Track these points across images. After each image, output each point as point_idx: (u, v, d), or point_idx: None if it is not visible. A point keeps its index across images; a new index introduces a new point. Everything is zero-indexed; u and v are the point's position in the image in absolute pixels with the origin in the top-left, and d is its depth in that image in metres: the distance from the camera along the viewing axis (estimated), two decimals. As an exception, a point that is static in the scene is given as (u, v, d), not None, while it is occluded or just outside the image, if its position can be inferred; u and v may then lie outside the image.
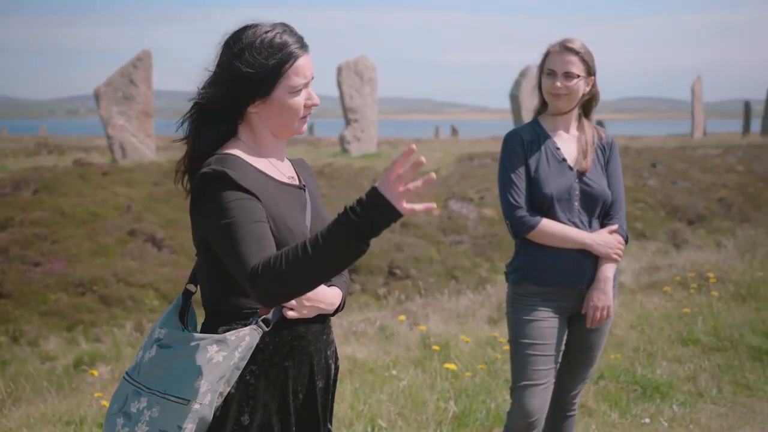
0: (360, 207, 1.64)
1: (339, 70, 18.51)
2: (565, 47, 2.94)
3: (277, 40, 1.86)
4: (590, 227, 2.97)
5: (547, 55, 2.99)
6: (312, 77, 1.92)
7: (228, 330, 1.83)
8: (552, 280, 2.93)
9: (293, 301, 1.87)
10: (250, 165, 1.88)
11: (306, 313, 1.90)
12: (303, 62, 1.89)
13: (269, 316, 1.86)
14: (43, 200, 12.80)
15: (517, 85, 20.90)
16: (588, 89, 2.99)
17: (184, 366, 1.80)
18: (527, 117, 21.05)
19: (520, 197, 2.94)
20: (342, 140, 19.28)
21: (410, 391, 4.24)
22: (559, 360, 3.01)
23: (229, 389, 1.84)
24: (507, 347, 4.60)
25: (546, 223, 2.91)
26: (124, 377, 1.90)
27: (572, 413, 3.17)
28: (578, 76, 2.92)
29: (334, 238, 1.66)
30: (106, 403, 3.75)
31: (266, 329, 1.86)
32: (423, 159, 1.61)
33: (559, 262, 2.92)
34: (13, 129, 41.10)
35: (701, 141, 26.22)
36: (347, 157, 18.51)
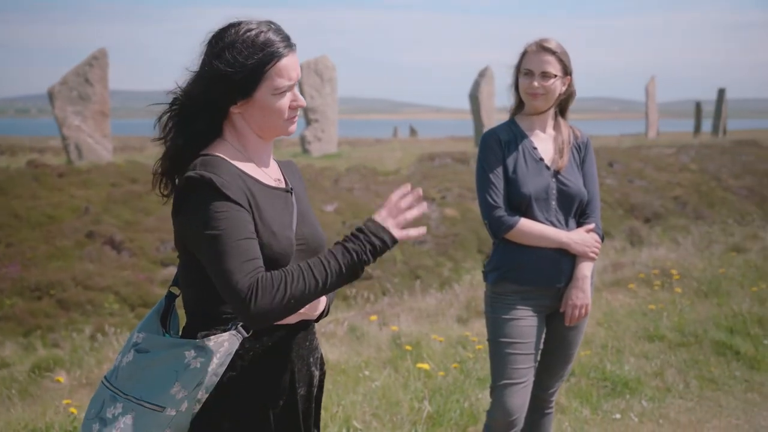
0: (363, 237, 1.74)
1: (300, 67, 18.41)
2: (542, 47, 2.95)
3: (260, 38, 1.80)
4: (567, 226, 2.99)
5: (524, 54, 3.00)
6: (298, 78, 1.86)
7: (207, 335, 1.78)
8: (531, 279, 2.95)
9: None
10: (236, 167, 1.83)
11: (289, 319, 1.85)
12: (287, 62, 1.82)
13: None
14: (-4, 202, 12.46)
15: (477, 85, 21.05)
16: (564, 89, 3.01)
17: (161, 372, 1.75)
18: (486, 117, 21.25)
19: (499, 197, 2.95)
20: (303, 140, 19.18)
21: (384, 391, 4.23)
22: (538, 358, 3.03)
23: (207, 396, 1.80)
24: (480, 346, 4.64)
25: (524, 223, 2.92)
26: (102, 381, 1.84)
27: (550, 411, 3.20)
28: (555, 75, 2.94)
29: (338, 268, 1.72)
30: (74, 410, 3.66)
31: (246, 335, 1.80)
32: (420, 191, 1.81)
33: (538, 261, 2.93)
34: (-40, 129, 39.96)
35: (655, 140, 26.75)
36: (308, 158, 18.42)
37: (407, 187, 1.81)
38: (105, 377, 1.84)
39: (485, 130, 19.91)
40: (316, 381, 1.99)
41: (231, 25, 1.84)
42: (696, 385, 4.66)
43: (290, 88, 1.84)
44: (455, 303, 6.42)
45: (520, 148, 3.00)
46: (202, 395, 1.78)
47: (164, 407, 1.73)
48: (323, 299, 1.94)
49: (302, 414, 1.93)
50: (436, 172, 16.69)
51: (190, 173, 1.76)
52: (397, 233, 1.76)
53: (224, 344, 1.77)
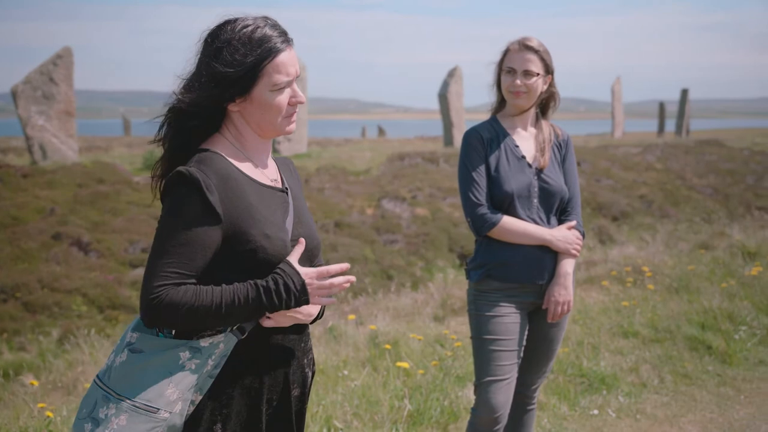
0: (286, 293, 1.77)
1: (268, 69, 18.29)
2: (524, 45, 2.97)
3: (257, 35, 1.78)
4: (549, 223, 3.01)
5: (506, 53, 3.02)
6: (297, 74, 1.84)
7: (202, 336, 1.77)
8: (514, 276, 2.96)
9: None
10: (232, 165, 1.81)
11: (283, 322, 1.84)
12: (285, 58, 1.80)
13: (245, 324, 1.81)
14: (-42, 204, 12.18)
15: (446, 85, 21.12)
16: (545, 87, 3.03)
17: (155, 373, 1.74)
18: (455, 117, 21.34)
19: (482, 195, 2.96)
20: (272, 141, 19.07)
21: (364, 391, 4.22)
22: (521, 355, 3.05)
23: (201, 397, 1.78)
24: (459, 344, 4.65)
25: (507, 221, 2.93)
26: (94, 381, 1.82)
27: (532, 407, 3.21)
28: (537, 74, 2.96)
29: (248, 307, 1.75)
30: (50, 414, 3.59)
31: (241, 337, 1.80)
32: (353, 278, 1.88)
33: (521, 259, 2.95)
34: None
35: (621, 140, 27.12)
36: (278, 158, 18.33)
37: (346, 266, 1.86)
38: (97, 376, 1.82)
39: (454, 129, 19.83)
40: (309, 382, 1.98)
41: (227, 22, 1.82)
42: (670, 380, 4.72)
43: (289, 84, 1.82)
44: (431, 302, 6.43)
45: (502, 146, 3.01)
46: (197, 397, 1.77)
47: (158, 408, 1.72)
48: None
49: (295, 415, 1.92)
50: (406, 171, 16.71)
51: (182, 168, 1.75)
52: (313, 300, 1.81)
53: (220, 345, 1.76)
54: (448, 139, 21.40)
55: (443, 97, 21.05)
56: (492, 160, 2.99)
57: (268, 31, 1.80)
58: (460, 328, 5.58)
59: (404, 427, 3.92)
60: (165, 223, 1.73)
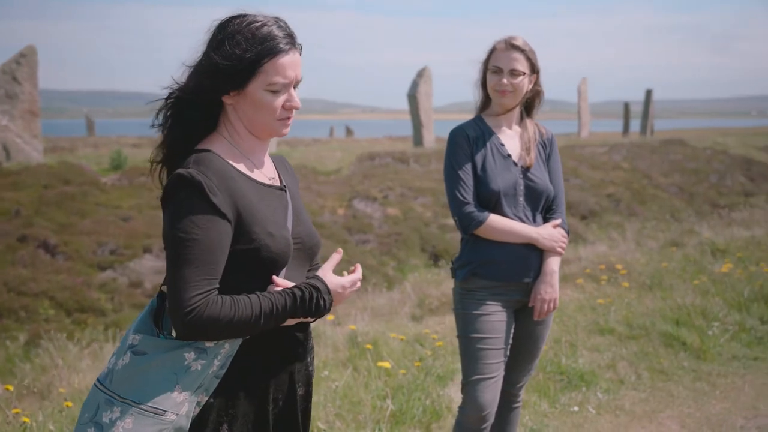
0: (316, 309, 1.79)
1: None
2: (510, 45, 2.98)
3: (262, 32, 1.76)
4: (534, 221, 3.03)
5: (492, 52, 3.02)
6: (298, 79, 1.81)
7: None
8: (500, 274, 2.97)
9: None
10: (230, 166, 1.79)
11: (288, 321, 1.82)
12: (286, 60, 1.78)
13: None
14: None
15: (415, 85, 21.17)
16: (531, 86, 3.04)
17: (160, 374, 1.71)
18: (425, 117, 21.40)
19: (468, 193, 2.96)
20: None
21: (345, 391, 4.20)
22: (508, 353, 3.06)
23: (207, 398, 1.76)
24: (440, 343, 4.66)
25: (494, 219, 2.94)
26: (95, 385, 1.79)
27: (518, 405, 3.23)
28: (523, 73, 2.97)
29: (277, 319, 1.76)
30: (27, 419, 3.51)
31: (246, 336, 1.78)
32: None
33: (507, 257, 2.96)
34: None
35: (588, 140, 27.44)
36: (273, 156, 18.22)
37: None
38: (98, 380, 1.79)
39: (423, 129, 19.88)
40: (312, 380, 1.97)
41: (237, 16, 1.81)
42: (647, 376, 4.79)
43: (285, 87, 1.80)
44: (408, 301, 6.43)
45: (488, 144, 3.02)
46: (202, 398, 1.75)
47: (165, 411, 1.69)
48: None
49: (301, 414, 1.91)
50: (376, 171, 16.72)
51: (182, 171, 1.72)
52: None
53: (225, 346, 1.74)
54: (418, 139, 21.45)
55: (412, 97, 21.09)
56: (478, 158, 2.99)
57: (274, 30, 1.78)
58: (438, 327, 5.59)
59: (387, 427, 3.91)
60: (177, 230, 1.69)
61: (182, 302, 1.66)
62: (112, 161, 16.96)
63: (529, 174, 3.01)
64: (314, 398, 4.09)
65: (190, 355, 1.72)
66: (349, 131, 38.44)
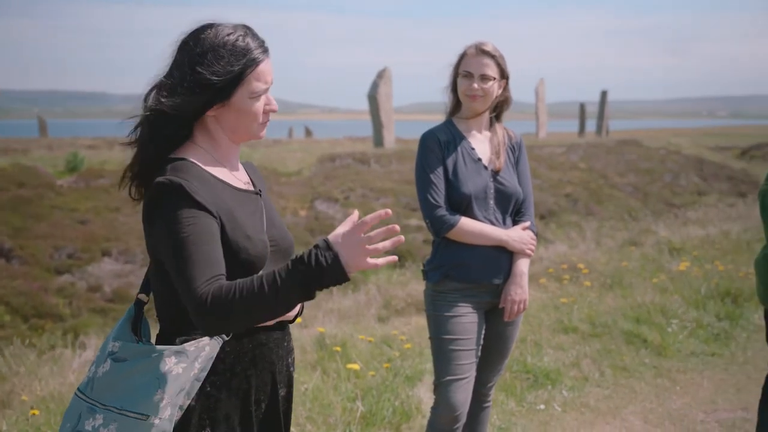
0: (316, 266, 1.60)
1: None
2: (481, 50, 3.03)
3: (240, 43, 1.79)
4: (504, 224, 3.08)
5: (462, 57, 3.07)
6: (272, 83, 1.87)
7: (186, 340, 1.76)
8: (472, 276, 3.01)
9: None
10: (207, 172, 1.81)
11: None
12: (264, 67, 1.83)
13: None
14: None
15: (375, 86, 21.20)
16: (500, 91, 3.10)
17: (142, 380, 1.72)
18: (385, 117, 21.44)
19: (440, 196, 3.00)
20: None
21: (315, 393, 4.21)
22: (479, 353, 3.11)
23: (189, 402, 1.77)
24: (408, 345, 4.69)
25: (465, 222, 2.98)
26: (75, 394, 1.79)
27: (488, 404, 3.28)
28: (493, 78, 3.02)
29: (286, 288, 1.61)
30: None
31: (226, 338, 1.80)
32: (398, 230, 1.65)
33: (478, 259, 3.01)
34: None
35: (546, 140, 27.80)
36: (243, 162, 18.03)
37: (388, 212, 1.65)
38: (78, 389, 1.79)
39: (384, 130, 19.83)
40: (293, 381, 1.99)
41: (207, 27, 1.82)
42: (610, 373, 4.89)
43: (265, 91, 1.85)
44: (374, 303, 6.46)
45: (458, 148, 3.06)
46: (185, 401, 1.76)
47: (148, 415, 1.70)
48: None
49: (282, 415, 1.93)
50: (337, 172, 16.71)
51: (160, 179, 1.73)
52: (362, 265, 1.62)
53: (205, 348, 1.75)
54: (378, 140, 21.49)
55: (372, 98, 21.12)
56: (449, 162, 3.03)
57: (249, 41, 1.81)
58: (405, 328, 5.63)
59: (358, 428, 3.93)
60: (172, 235, 1.69)
61: (192, 297, 1.64)
62: (68, 163, 16.62)
63: (498, 177, 3.07)
64: (284, 401, 4.11)
65: (170, 360, 1.72)
66: (308, 132, 38.31)
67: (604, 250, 8.29)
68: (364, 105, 21.58)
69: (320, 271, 1.60)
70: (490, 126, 3.16)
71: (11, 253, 10.97)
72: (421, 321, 5.89)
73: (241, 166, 1.97)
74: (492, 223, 3.04)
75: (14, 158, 18.15)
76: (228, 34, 1.79)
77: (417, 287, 6.79)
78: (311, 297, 1.65)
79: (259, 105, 1.84)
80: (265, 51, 1.84)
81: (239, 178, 1.91)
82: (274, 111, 1.89)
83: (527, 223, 3.12)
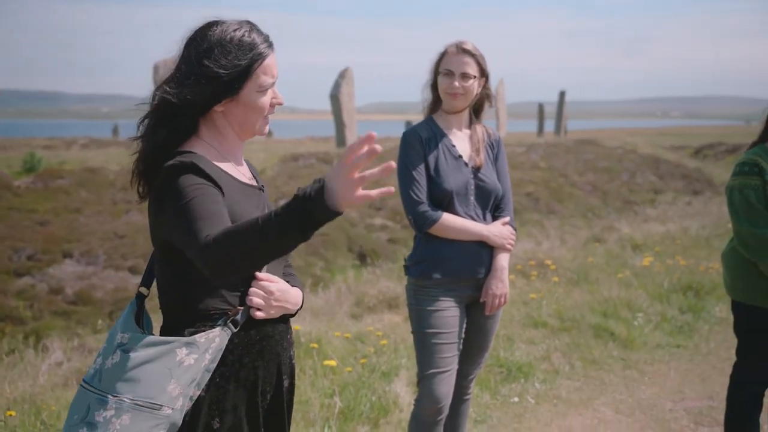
0: (305, 201, 1.56)
1: (156, 68, 17.76)
2: (461, 49, 3.09)
3: (246, 38, 1.83)
4: (484, 219, 3.15)
5: (443, 55, 3.13)
6: (277, 76, 1.90)
7: (195, 332, 1.79)
8: (454, 270, 3.07)
9: (261, 301, 1.85)
10: (215, 165, 1.84)
11: (273, 314, 1.89)
12: (270, 61, 1.87)
13: (238, 317, 1.84)
14: None
15: (337, 86, 21.21)
16: (480, 90, 3.16)
17: (154, 370, 1.74)
18: (347, 117, 21.46)
19: (422, 193, 3.05)
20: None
21: (293, 390, 4.23)
22: (461, 347, 3.17)
23: (199, 392, 1.80)
24: (384, 341, 4.74)
25: (447, 218, 3.04)
26: (81, 385, 1.80)
27: (468, 397, 3.34)
28: (474, 77, 3.08)
29: (279, 225, 1.57)
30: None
31: (235, 330, 1.83)
32: (379, 148, 1.53)
33: (459, 254, 3.07)
34: None
35: (505, 140, 28.12)
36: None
37: (372, 135, 1.54)
38: (84, 380, 1.80)
39: (346, 130, 19.80)
40: (295, 372, 2.03)
41: (213, 24, 1.86)
42: (580, 366, 5.01)
43: (272, 85, 1.89)
44: (346, 301, 6.49)
45: (439, 146, 3.12)
46: (195, 392, 1.78)
47: (161, 405, 1.72)
48: (301, 294, 1.99)
49: (286, 405, 1.97)
50: (301, 172, 16.68)
51: (170, 162, 1.77)
52: (353, 197, 1.53)
53: (215, 340, 1.78)
54: (341, 140, 21.50)
55: (335, 98, 21.13)
56: (431, 159, 3.09)
57: (255, 36, 1.85)
58: (378, 325, 5.67)
59: (336, 424, 3.96)
60: (181, 201, 1.71)
61: (199, 244, 1.64)
62: (25, 163, 16.31)
63: (479, 174, 3.13)
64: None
65: (182, 351, 1.75)
66: (269, 132, 38.18)
67: (569, 247, 8.45)
68: (326, 105, 21.59)
69: (312, 203, 1.54)
70: (470, 124, 3.23)
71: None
72: (393, 318, 5.94)
73: (245, 163, 2.01)
74: (473, 219, 3.10)
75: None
76: (234, 30, 1.83)
77: (388, 284, 6.85)
78: (306, 232, 1.57)
79: (266, 99, 1.88)
80: (270, 45, 1.88)
81: (244, 174, 1.96)
82: (280, 104, 1.93)
83: (506, 219, 3.18)
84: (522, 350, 5.09)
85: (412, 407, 4.12)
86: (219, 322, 1.81)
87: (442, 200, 3.06)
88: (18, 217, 12.36)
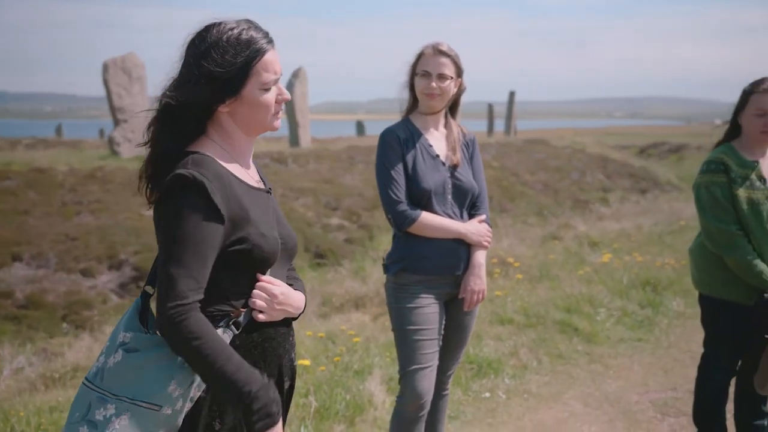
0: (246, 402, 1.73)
1: (105, 67, 17.37)
2: (438, 50, 3.14)
3: (244, 36, 1.83)
4: (462, 218, 3.20)
5: (420, 56, 3.17)
6: (281, 73, 1.90)
7: None
8: (433, 268, 3.11)
9: (264, 304, 1.86)
10: (224, 168, 1.84)
11: (276, 316, 1.90)
12: (271, 57, 1.86)
13: (240, 318, 1.84)
14: None
15: (290, 86, 21.08)
16: (456, 90, 3.22)
17: (156, 371, 1.74)
18: (301, 117, 21.37)
19: (401, 192, 3.09)
20: (111, 142, 18.14)
21: (267, 390, 4.22)
22: (440, 343, 3.22)
23: (199, 393, 1.80)
24: (357, 339, 4.76)
25: (426, 216, 3.09)
26: (83, 383, 1.79)
27: (446, 392, 3.39)
28: (450, 77, 3.14)
29: (223, 382, 1.72)
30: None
31: (237, 332, 1.83)
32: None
33: (438, 252, 3.11)
34: None
35: (457, 140, 28.34)
36: (118, 160, 17.47)
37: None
38: (87, 378, 1.79)
39: (300, 130, 19.68)
40: (296, 374, 2.04)
41: (211, 26, 1.86)
42: (547, 361, 5.11)
43: (276, 82, 1.89)
44: (312, 301, 6.48)
45: (417, 145, 3.16)
46: (196, 393, 1.78)
47: (161, 406, 1.72)
48: (303, 298, 2.00)
49: (286, 406, 1.98)
50: (256, 172, 16.56)
51: (183, 171, 1.75)
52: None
53: None
54: (294, 140, 21.40)
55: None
56: (409, 159, 3.13)
57: (253, 33, 1.85)
58: (346, 324, 5.69)
59: (312, 423, 3.97)
60: (176, 229, 1.72)
61: (170, 296, 1.70)
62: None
63: (456, 173, 3.18)
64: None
65: None
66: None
67: (528, 244, 8.60)
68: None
69: (248, 409, 1.73)
70: (446, 123, 3.28)
71: None
72: (361, 317, 5.97)
73: (252, 165, 2.00)
74: (450, 217, 3.15)
75: None
76: (231, 29, 1.83)
77: (353, 285, 6.87)
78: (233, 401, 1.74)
79: (271, 96, 1.87)
80: (270, 41, 1.87)
81: (252, 176, 1.95)
82: (286, 100, 1.93)
83: (483, 216, 3.25)
84: (490, 347, 5.16)
85: (386, 405, 4.17)
86: (221, 324, 1.81)
87: (421, 199, 3.10)
88: (-25, 220, 11.97)
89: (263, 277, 1.87)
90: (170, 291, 1.70)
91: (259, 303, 1.86)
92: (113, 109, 17.64)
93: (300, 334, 5.07)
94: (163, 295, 1.71)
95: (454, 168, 3.18)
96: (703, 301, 3.44)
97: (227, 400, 1.75)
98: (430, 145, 3.18)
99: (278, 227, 1.94)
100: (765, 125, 3.21)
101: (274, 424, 1.75)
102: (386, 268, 3.22)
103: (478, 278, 3.17)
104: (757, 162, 3.28)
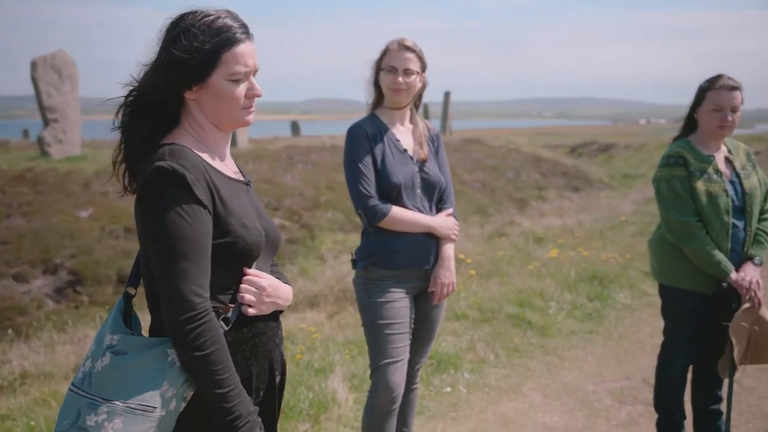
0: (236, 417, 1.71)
1: (34, 65, 16.77)
2: (403, 46, 3.15)
3: (217, 24, 1.78)
4: (430, 211, 3.22)
5: (385, 52, 3.17)
6: (256, 67, 1.85)
7: None
8: (404, 262, 3.12)
9: (252, 298, 1.83)
10: (201, 158, 1.79)
11: (265, 310, 1.87)
12: (244, 49, 1.81)
13: (229, 314, 1.80)
14: None
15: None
16: (421, 85, 3.23)
17: (146, 372, 1.68)
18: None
19: (371, 187, 3.09)
20: (41, 142, 17.52)
21: (228, 391, 4.15)
22: (411, 337, 3.23)
23: (192, 393, 1.75)
24: (317, 335, 4.72)
25: (396, 211, 3.09)
26: (70, 390, 1.72)
27: (415, 386, 3.40)
28: (416, 72, 3.15)
29: (223, 396, 1.69)
30: None
31: (227, 328, 1.79)
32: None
33: (408, 246, 3.12)
34: None
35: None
36: (48, 161, 16.90)
37: None
38: (73, 384, 1.72)
39: (237, 131, 19.39)
40: (285, 368, 2.02)
41: (189, 12, 1.81)
42: (504, 354, 5.18)
43: (246, 75, 1.83)
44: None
45: (384, 140, 3.17)
46: (188, 393, 1.73)
47: (155, 407, 1.67)
48: (291, 290, 1.97)
49: (277, 401, 1.95)
50: (194, 173, 16.26)
51: (162, 163, 1.69)
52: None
53: None
54: (232, 141, 21.11)
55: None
56: (377, 153, 3.13)
57: (228, 21, 1.80)
58: (302, 324, 5.64)
59: (279, 421, 3.92)
60: (167, 224, 1.67)
61: (185, 301, 1.65)
62: None
63: (424, 168, 3.20)
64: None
65: (172, 351, 1.71)
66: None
67: (475, 241, 8.70)
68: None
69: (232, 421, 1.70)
70: (412, 118, 3.29)
71: None
72: (316, 316, 5.93)
73: (229, 156, 1.95)
74: (420, 211, 3.16)
75: None
76: (206, 16, 1.79)
77: (305, 284, 6.82)
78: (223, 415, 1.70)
79: (240, 89, 1.82)
80: (246, 33, 1.82)
81: (229, 167, 1.90)
82: (257, 96, 1.87)
83: (450, 210, 3.28)
84: (448, 342, 5.20)
85: (350, 402, 4.16)
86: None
87: (390, 193, 3.10)
88: None
89: (249, 271, 1.83)
90: (182, 295, 1.65)
91: (248, 297, 1.82)
92: (42, 109, 17.05)
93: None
94: (175, 299, 1.66)
95: (422, 162, 3.19)
96: (664, 291, 3.54)
97: (216, 414, 1.70)
98: (398, 140, 3.19)
99: (259, 219, 1.91)
100: (722, 120, 3.33)
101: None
102: (355, 264, 3.21)
103: (448, 271, 3.19)
104: (713, 156, 3.40)
